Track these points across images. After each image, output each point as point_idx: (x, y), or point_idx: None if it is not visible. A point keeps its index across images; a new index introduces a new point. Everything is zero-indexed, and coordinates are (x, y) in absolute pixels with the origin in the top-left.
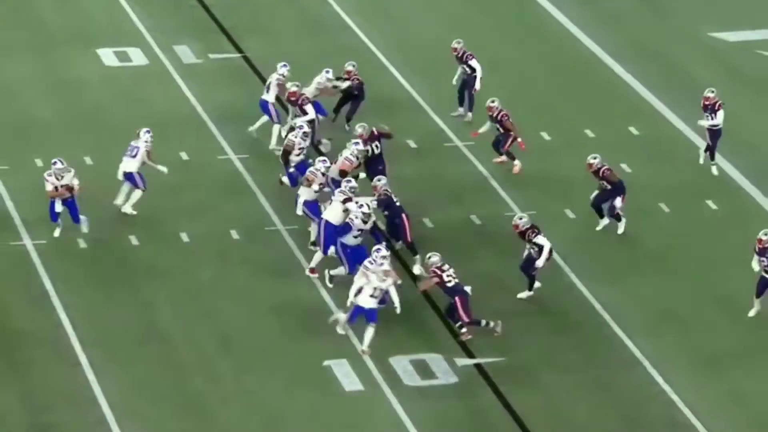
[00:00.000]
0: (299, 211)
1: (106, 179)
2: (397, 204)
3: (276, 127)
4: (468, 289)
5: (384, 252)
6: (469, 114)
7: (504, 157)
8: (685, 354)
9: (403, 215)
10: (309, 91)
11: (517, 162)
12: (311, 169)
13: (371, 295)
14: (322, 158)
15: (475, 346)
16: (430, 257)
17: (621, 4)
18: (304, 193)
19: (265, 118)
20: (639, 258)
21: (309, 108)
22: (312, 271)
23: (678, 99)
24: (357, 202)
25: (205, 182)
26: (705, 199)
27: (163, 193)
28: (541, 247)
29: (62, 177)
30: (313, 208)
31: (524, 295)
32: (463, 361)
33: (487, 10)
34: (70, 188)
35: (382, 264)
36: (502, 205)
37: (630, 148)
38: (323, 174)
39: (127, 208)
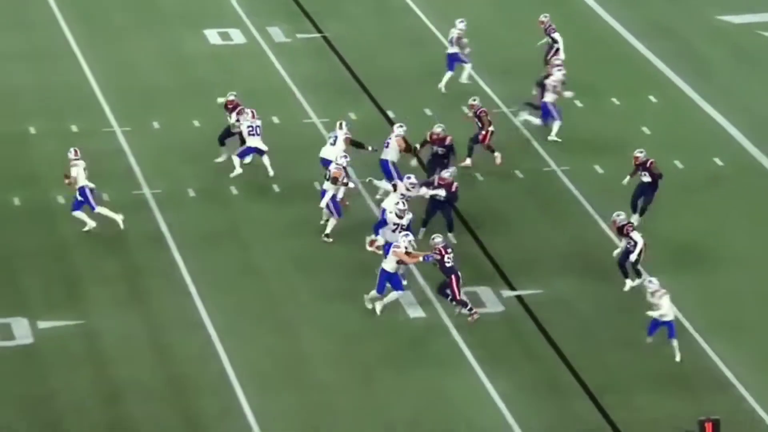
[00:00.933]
0: (323, 205)
1: (211, 140)
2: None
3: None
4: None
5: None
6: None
7: (469, 161)
8: (701, 291)
9: (453, 276)
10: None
11: (497, 154)
12: (335, 165)
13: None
14: (343, 153)
15: (517, 281)
16: (434, 238)
17: None
18: (330, 189)
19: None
20: (657, 206)
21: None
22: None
23: (688, 71)
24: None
25: (292, 142)
26: (712, 156)
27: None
28: (635, 243)
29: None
30: (337, 204)
31: (632, 284)
32: (508, 293)
33: None
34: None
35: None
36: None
37: (649, 113)
38: (345, 168)
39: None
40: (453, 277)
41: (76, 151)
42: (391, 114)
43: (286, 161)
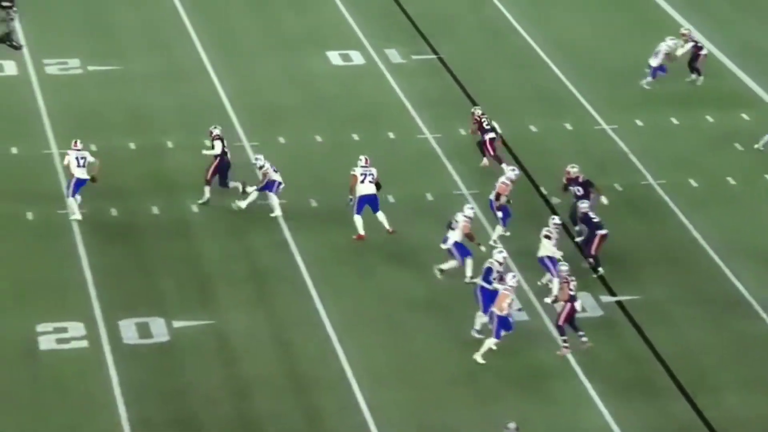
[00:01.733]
0: (445, 246)
1: (333, 155)
2: (595, 221)
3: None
4: (578, 304)
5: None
6: (701, 78)
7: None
8: None
9: (570, 303)
10: None
11: (486, 161)
12: (464, 216)
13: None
14: (469, 205)
15: (617, 286)
16: (560, 265)
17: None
18: (455, 236)
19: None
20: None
21: None
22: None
23: None
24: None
25: (406, 156)
26: None
27: (375, 164)
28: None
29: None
30: (461, 247)
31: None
32: (607, 299)
33: (622, 11)
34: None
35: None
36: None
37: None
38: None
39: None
40: (570, 305)
41: (75, 143)
42: (496, 126)
43: (400, 173)
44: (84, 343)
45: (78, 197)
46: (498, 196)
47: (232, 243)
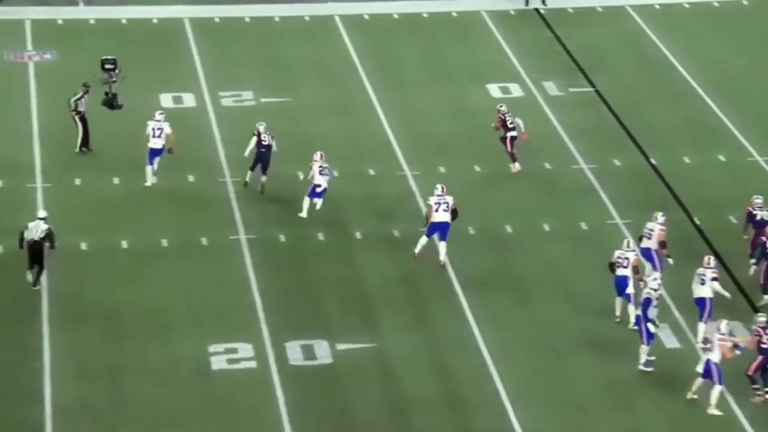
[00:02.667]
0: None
1: (491, 184)
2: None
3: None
4: None
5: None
6: None
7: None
8: None
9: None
10: None
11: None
12: (658, 224)
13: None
14: (662, 213)
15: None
16: (758, 317)
17: None
18: (650, 244)
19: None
20: None
21: None
22: None
23: None
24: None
25: (562, 185)
26: None
27: (530, 193)
28: None
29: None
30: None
31: None
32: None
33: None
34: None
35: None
36: None
37: None
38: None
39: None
40: (762, 358)
41: (155, 115)
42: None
43: (556, 203)
44: (252, 364)
45: (154, 166)
46: (663, 245)
47: (393, 268)
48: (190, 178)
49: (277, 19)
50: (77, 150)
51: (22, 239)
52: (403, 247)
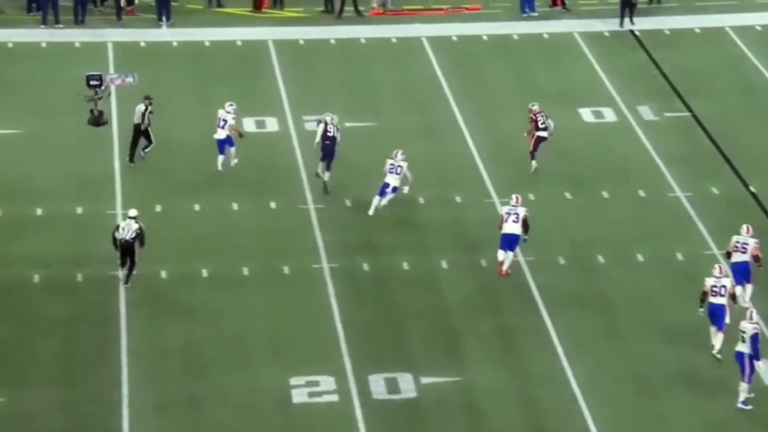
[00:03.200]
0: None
1: (582, 212)
2: None
3: None
4: None
5: None
6: None
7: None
8: None
9: None
10: None
11: (535, 162)
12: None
13: None
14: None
15: None
16: None
17: None
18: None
19: None
20: None
21: None
22: None
23: None
24: None
25: (657, 214)
26: None
27: (623, 221)
28: None
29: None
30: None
31: None
32: None
33: None
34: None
35: None
36: None
37: None
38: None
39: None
40: None
41: (224, 105)
42: (752, 189)
43: (650, 232)
44: (334, 397)
45: (222, 156)
46: (757, 259)
47: (480, 298)
48: (272, 205)
49: (363, 40)
50: (142, 153)
51: (115, 239)
52: (491, 276)
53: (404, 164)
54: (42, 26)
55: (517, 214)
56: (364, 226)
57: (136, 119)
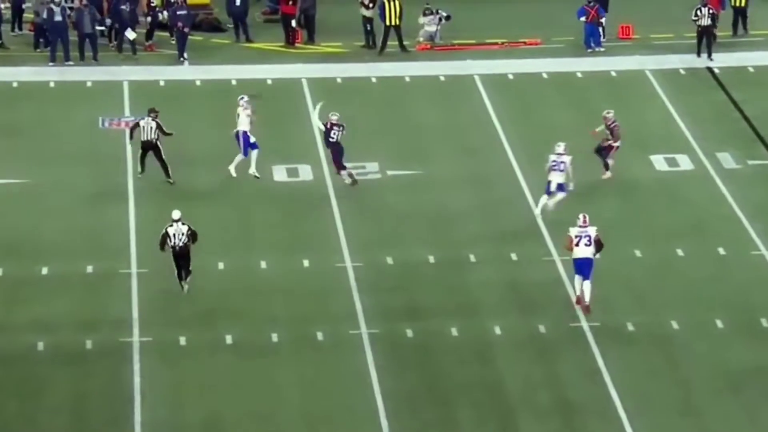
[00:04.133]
0: None
1: (654, 272)
2: None
3: None
4: None
5: None
6: None
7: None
8: None
9: None
10: None
11: (609, 172)
12: None
13: None
14: None
15: None
16: None
17: None
18: None
19: None
20: None
21: None
22: None
23: None
24: None
25: (739, 274)
26: None
27: (700, 282)
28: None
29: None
30: None
31: None
32: None
33: None
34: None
35: None
36: None
37: None
38: None
39: None
40: None
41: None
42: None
43: (731, 293)
44: None
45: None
46: None
47: (538, 369)
48: (305, 263)
49: (407, 79)
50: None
51: (164, 243)
52: (549, 344)
53: (568, 159)
54: (50, 64)
55: (589, 235)
56: (407, 287)
57: (146, 135)
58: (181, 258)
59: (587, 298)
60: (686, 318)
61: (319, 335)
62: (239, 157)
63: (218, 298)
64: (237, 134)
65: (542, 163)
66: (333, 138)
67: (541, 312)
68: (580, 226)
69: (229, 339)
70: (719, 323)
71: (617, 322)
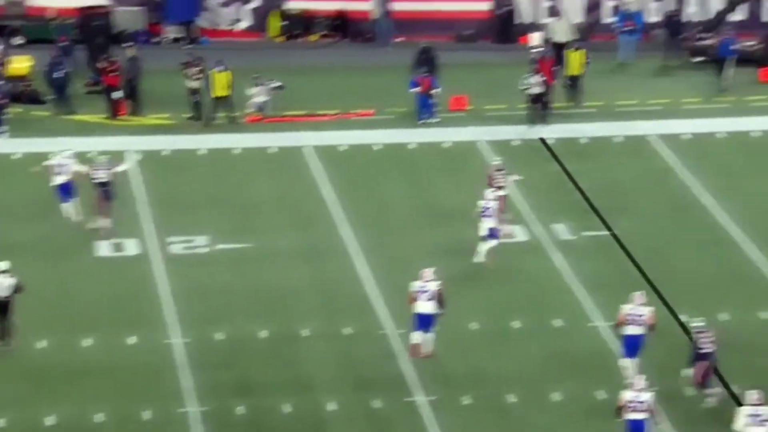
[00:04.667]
0: None
1: (490, 344)
2: None
3: None
4: None
5: None
6: None
7: None
8: None
9: None
10: None
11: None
12: None
13: None
14: None
15: None
16: None
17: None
18: None
19: None
20: None
21: None
22: None
23: None
24: None
25: (575, 347)
26: None
27: (534, 355)
28: None
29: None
30: None
31: None
32: None
33: None
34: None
35: None
36: None
37: None
38: None
39: None
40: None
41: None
42: (683, 317)
43: (567, 368)
44: None
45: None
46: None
47: None
48: (130, 340)
49: (237, 150)
50: None
51: None
52: (385, 420)
53: (495, 204)
54: None
55: (428, 291)
56: (238, 363)
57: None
58: (4, 309)
59: (426, 348)
60: (523, 391)
61: (146, 414)
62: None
63: (40, 377)
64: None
65: (377, 237)
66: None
67: (375, 388)
68: (423, 281)
69: (50, 420)
70: (557, 396)
71: (454, 395)
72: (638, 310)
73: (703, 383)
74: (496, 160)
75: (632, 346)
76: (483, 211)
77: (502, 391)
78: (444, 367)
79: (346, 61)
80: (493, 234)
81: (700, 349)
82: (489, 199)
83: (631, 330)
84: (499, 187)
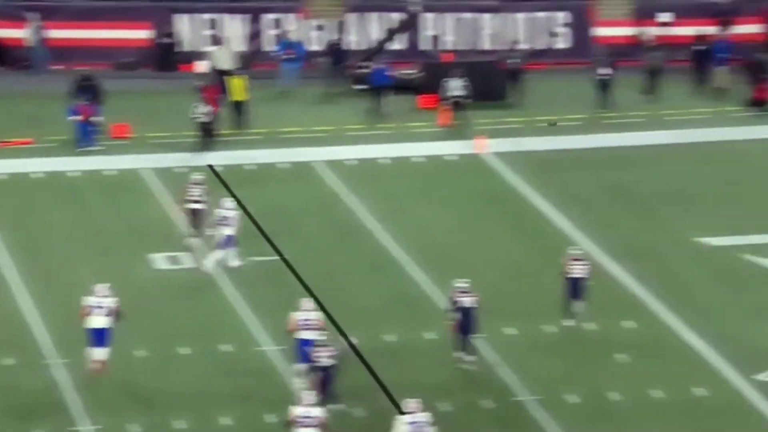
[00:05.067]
0: None
1: (160, 370)
2: None
3: None
4: None
5: None
6: None
7: None
8: None
9: None
10: None
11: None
12: None
13: None
14: None
15: None
16: None
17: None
18: None
19: None
20: None
21: None
22: None
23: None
24: None
25: (245, 371)
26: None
27: (204, 380)
28: None
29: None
30: None
31: None
32: None
33: (490, 206)
34: None
35: None
36: None
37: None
38: None
39: None
40: None
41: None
42: (354, 340)
43: (238, 391)
44: None
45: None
46: None
47: None
48: None
49: None
50: None
51: None
52: None
53: (235, 213)
54: None
55: (102, 306)
56: None
57: None
58: None
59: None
60: (193, 416)
61: None
62: None
63: None
64: None
65: (40, 266)
66: None
67: (38, 420)
68: (99, 296)
69: None
70: (227, 420)
71: (120, 423)
72: (309, 314)
73: (323, 393)
74: (198, 175)
75: (306, 351)
76: (220, 220)
77: (170, 417)
78: (111, 398)
79: (2, 88)
80: (230, 242)
81: (317, 361)
82: (227, 208)
83: (305, 335)
84: (195, 201)
